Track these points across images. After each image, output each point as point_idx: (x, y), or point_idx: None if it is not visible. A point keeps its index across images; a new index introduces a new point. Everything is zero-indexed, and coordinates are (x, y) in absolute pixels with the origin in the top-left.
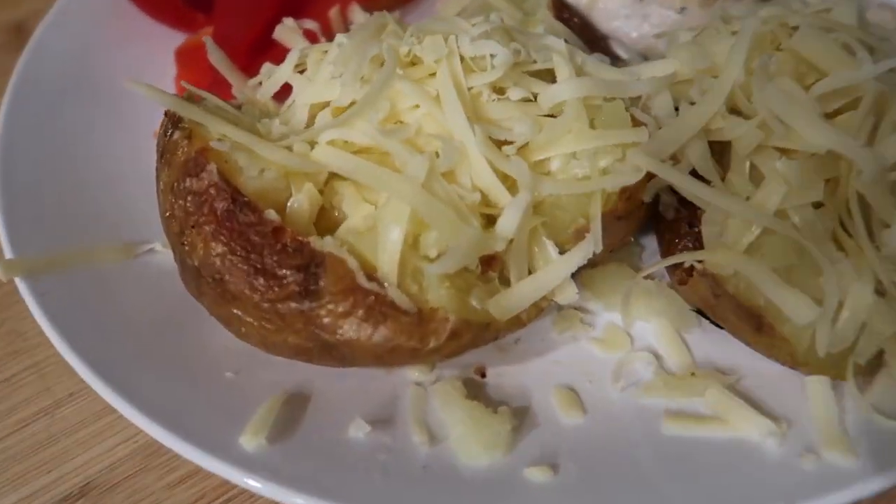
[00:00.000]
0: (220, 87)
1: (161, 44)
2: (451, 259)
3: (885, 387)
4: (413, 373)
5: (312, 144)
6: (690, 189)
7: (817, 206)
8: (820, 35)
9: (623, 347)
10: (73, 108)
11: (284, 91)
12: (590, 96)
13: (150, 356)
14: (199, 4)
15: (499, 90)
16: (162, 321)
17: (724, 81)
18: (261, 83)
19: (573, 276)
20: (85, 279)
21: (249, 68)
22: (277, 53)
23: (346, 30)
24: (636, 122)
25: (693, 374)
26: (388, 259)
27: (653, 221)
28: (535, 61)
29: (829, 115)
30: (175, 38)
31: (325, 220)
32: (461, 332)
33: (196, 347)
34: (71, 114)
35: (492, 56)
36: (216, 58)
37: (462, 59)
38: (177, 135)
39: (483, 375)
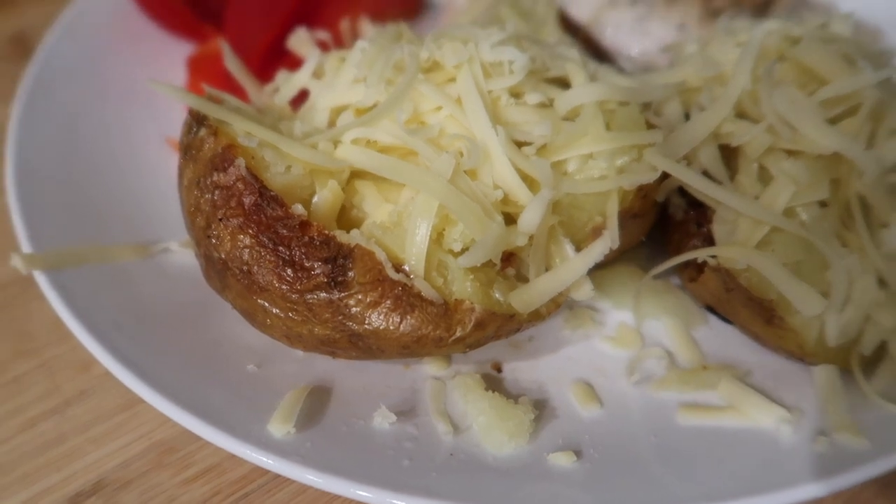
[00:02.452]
0: (233, 94)
1: (167, 53)
2: (478, 252)
3: (888, 375)
4: (431, 368)
5: (335, 144)
6: (705, 189)
7: (822, 205)
8: (822, 45)
9: (635, 345)
10: (85, 112)
11: (298, 99)
12: (605, 101)
13: (174, 350)
14: (208, 16)
15: (516, 95)
16: (183, 317)
17: (733, 87)
18: (277, 89)
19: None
20: (103, 275)
21: (260, 76)
22: (287, 62)
23: (355, 41)
24: (650, 126)
25: (704, 367)
26: (416, 252)
27: (659, 224)
28: (548, 69)
29: (830, 121)
30: (179, 48)
31: (344, 219)
32: (486, 323)
33: (217, 342)
34: (83, 117)
35: (510, 62)
36: (233, 64)
37: (481, 64)
38: (202, 132)
39: (499, 371)
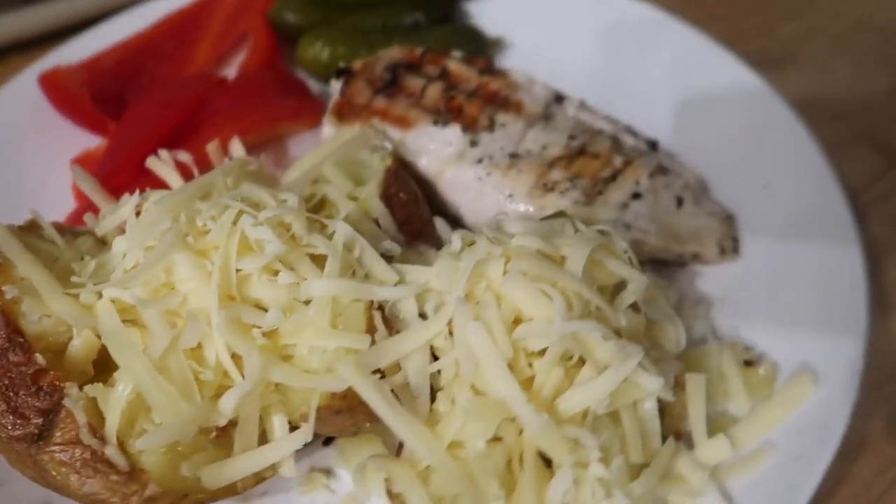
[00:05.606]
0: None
1: (77, 142)
2: (159, 436)
3: None
4: None
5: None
6: (379, 412)
7: (497, 439)
8: (524, 282)
9: None
10: None
11: None
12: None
13: None
14: (113, 112)
15: (273, 272)
16: None
17: (448, 306)
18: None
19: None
20: None
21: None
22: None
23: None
24: (370, 327)
25: None
26: (111, 421)
27: None
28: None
29: (536, 355)
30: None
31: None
32: (157, 498)
33: None
34: None
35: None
36: (84, 183)
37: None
38: None
39: None
